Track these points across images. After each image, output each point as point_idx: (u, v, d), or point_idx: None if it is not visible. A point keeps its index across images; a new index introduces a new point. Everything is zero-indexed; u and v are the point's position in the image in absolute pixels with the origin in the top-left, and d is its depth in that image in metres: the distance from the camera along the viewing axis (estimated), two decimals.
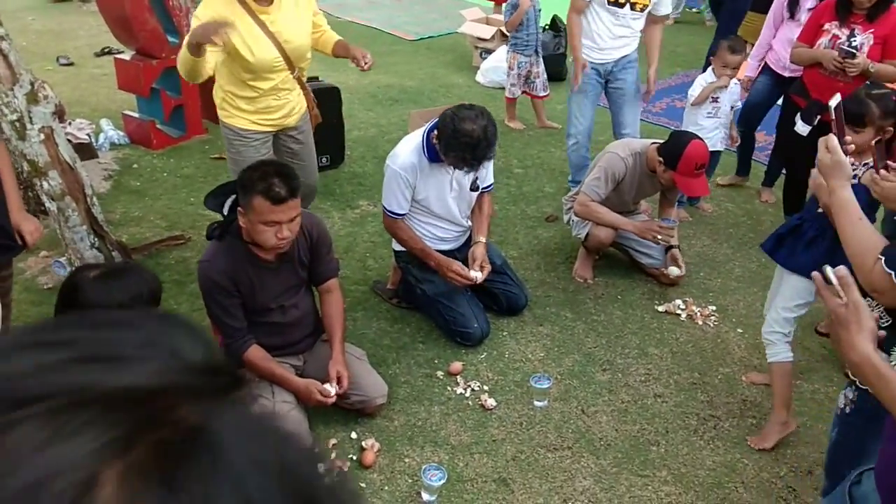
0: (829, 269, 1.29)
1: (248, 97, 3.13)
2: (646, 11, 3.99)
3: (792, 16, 4.26)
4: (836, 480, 2.14)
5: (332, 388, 2.60)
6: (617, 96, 4.27)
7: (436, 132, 2.97)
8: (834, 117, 1.87)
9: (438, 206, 3.20)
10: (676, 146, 3.38)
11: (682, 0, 9.32)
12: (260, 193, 2.34)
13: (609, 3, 3.95)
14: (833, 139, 1.74)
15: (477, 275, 3.20)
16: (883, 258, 1.56)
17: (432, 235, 3.29)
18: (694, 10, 9.80)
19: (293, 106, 3.26)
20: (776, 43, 4.39)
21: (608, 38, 4.09)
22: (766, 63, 4.46)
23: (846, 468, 2.06)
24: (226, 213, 2.53)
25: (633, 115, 4.29)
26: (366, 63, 3.20)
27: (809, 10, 4.18)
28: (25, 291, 3.43)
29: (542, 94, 5.79)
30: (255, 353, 2.58)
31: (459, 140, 2.84)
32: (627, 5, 3.94)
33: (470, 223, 3.37)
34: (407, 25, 9.20)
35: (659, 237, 3.52)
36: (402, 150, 3.12)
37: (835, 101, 1.89)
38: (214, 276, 2.48)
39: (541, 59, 5.69)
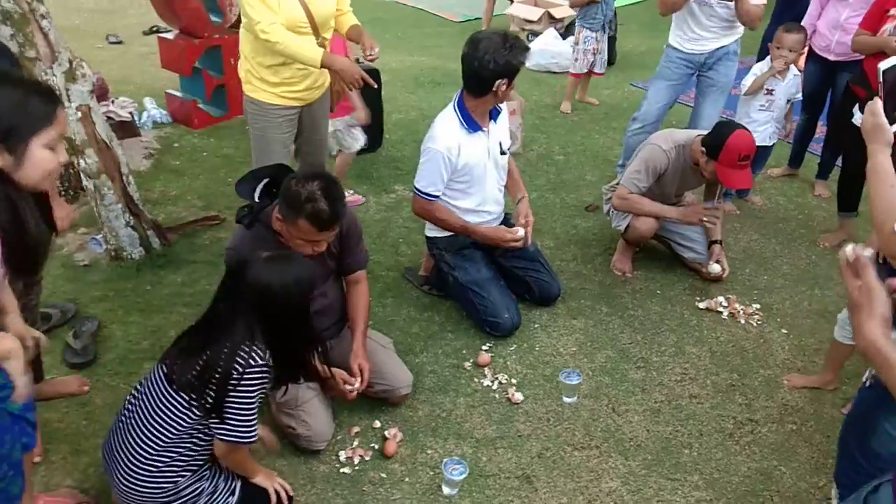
0: (849, 247, 1.25)
1: (273, 66, 3.07)
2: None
3: None
4: (843, 452, 2.16)
5: (354, 384, 2.56)
6: (705, 86, 4.12)
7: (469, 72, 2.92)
8: (882, 80, 1.75)
9: (479, 175, 3.12)
10: (720, 136, 3.23)
11: None
12: (306, 217, 2.29)
13: None
14: (878, 102, 1.71)
15: (521, 231, 3.18)
16: None
17: (473, 216, 3.22)
18: None
19: (316, 77, 3.20)
20: (821, 25, 4.17)
21: (697, 29, 3.95)
22: (810, 48, 4.24)
23: (854, 446, 2.04)
24: (257, 198, 2.50)
25: (714, 111, 4.11)
26: (370, 55, 3.18)
27: None
28: (62, 268, 3.48)
29: (599, 70, 5.72)
30: None
31: (493, 53, 2.85)
32: None
33: (500, 205, 3.31)
34: (453, 7, 9.09)
35: (705, 219, 3.40)
36: (441, 131, 3.04)
37: (886, 64, 1.76)
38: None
39: (606, 37, 5.62)
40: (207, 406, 1.99)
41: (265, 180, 2.50)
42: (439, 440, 2.67)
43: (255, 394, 2.01)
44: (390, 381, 2.73)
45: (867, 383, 2.03)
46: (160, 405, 2.04)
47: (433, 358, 3.08)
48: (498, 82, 2.90)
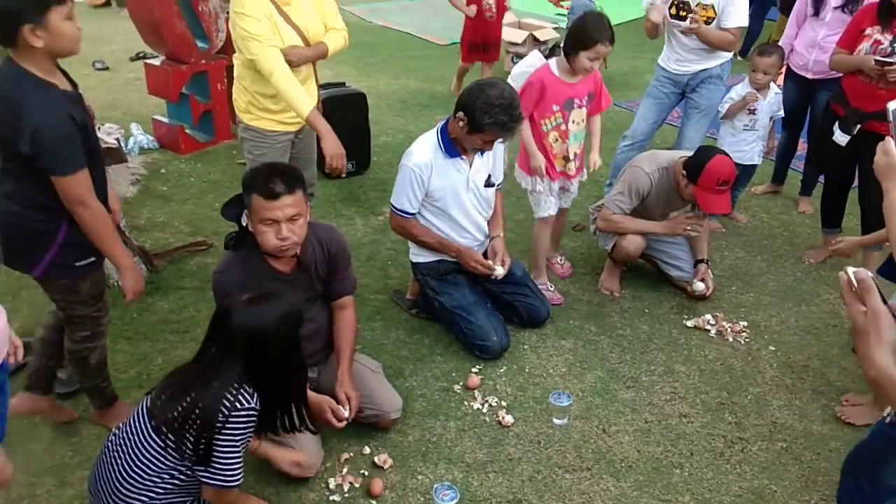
0: (850, 270, 1.16)
1: (275, 96, 3.11)
2: (713, 24, 3.82)
3: (816, 13, 4.11)
4: (849, 481, 2.12)
5: (342, 414, 2.53)
6: (689, 108, 4.17)
7: (460, 114, 2.91)
8: (891, 120, 1.78)
9: (453, 201, 3.12)
10: (700, 160, 3.28)
11: None
12: (256, 191, 2.32)
13: (671, 16, 3.86)
14: (890, 142, 1.72)
15: (499, 269, 3.16)
16: None
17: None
18: None
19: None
20: (798, 44, 4.24)
21: (680, 50, 4.01)
22: (788, 67, 4.31)
23: (862, 474, 2.00)
24: (244, 223, 2.50)
25: (697, 133, 4.14)
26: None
27: (835, 7, 4.03)
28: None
29: None
30: None
31: (494, 105, 2.82)
32: (688, 18, 3.81)
33: (484, 234, 3.30)
34: (439, 30, 9.16)
35: (688, 228, 3.43)
36: (417, 148, 3.08)
37: (895, 104, 1.80)
38: (228, 288, 2.43)
39: None
40: (187, 451, 1.95)
41: None
42: (430, 465, 2.65)
43: (241, 438, 1.98)
44: (380, 405, 2.71)
45: (888, 419, 1.96)
46: (139, 443, 2.00)
47: (423, 381, 3.06)
48: (486, 132, 2.90)
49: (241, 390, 1.95)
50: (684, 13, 3.81)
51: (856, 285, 1.14)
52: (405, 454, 2.69)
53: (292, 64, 3.04)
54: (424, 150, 3.05)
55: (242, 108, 3.25)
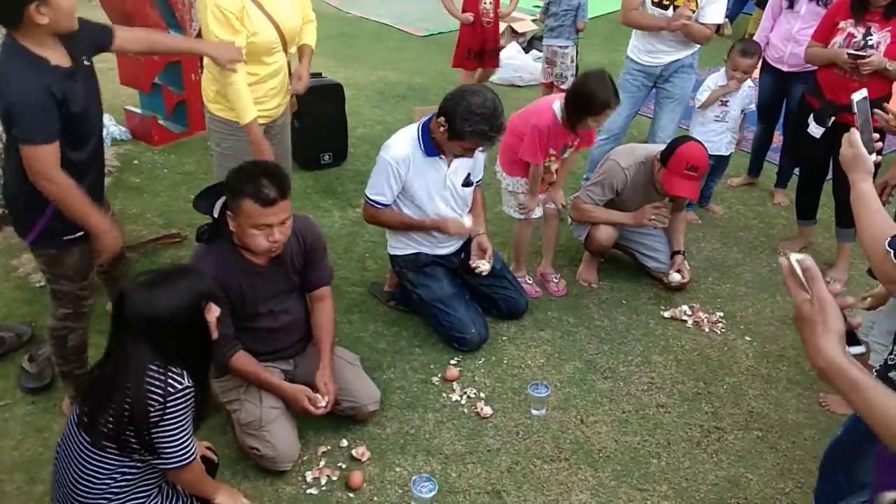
0: (793, 257, 1.14)
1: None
2: (693, 18, 3.81)
3: (791, 6, 4.14)
4: (826, 480, 2.14)
5: (322, 401, 2.52)
6: (661, 97, 4.14)
7: (441, 119, 2.89)
8: (856, 111, 1.80)
9: (425, 200, 3.09)
10: (673, 144, 3.34)
11: None
12: (249, 196, 2.26)
13: (653, 3, 3.83)
14: (855, 133, 1.74)
15: (486, 265, 3.16)
16: (892, 251, 1.55)
17: (432, 238, 3.20)
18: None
19: (284, 95, 3.20)
20: (773, 37, 4.27)
21: (654, 41, 3.96)
22: (764, 60, 4.33)
23: (839, 470, 2.03)
24: (216, 215, 2.46)
25: (671, 122, 4.13)
26: (293, 87, 3.25)
27: (809, 0, 4.05)
28: (18, 289, 3.38)
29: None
30: (242, 359, 2.49)
31: (475, 114, 2.81)
32: (672, 8, 3.79)
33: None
34: (417, 21, 9.10)
35: (652, 217, 3.41)
36: (396, 142, 3.05)
37: (858, 95, 1.82)
38: None
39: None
40: (134, 448, 1.87)
41: (223, 197, 2.45)
42: (408, 457, 2.64)
43: (184, 417, 1.89)
44: (357, 397, 2.69)
45: None
46: (81, 456, 1.91)
47: (401, 374, 3.05)
48: (466, 140, 2.88)
49: (169, 373, 1.84)
50: (667, 3, 3.80)
51: (799, 272, 1.11)
52: (383, 447, 2.67)
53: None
54: (404, 144, 3.02)
55: (211, 97, 3.12)
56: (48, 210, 2.33)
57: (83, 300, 2.54)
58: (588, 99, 3.14)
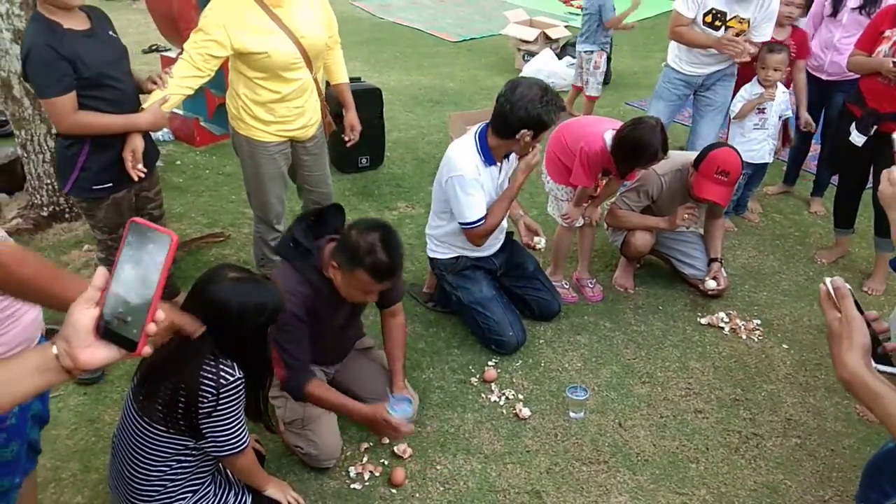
0: (828, 280, 1.23)
1: (266, 103, 2.94)
2: (743, 36, 3.81)
3: (834, 14, 4.11)
4: (870, 488, 2.10)
5: (410, 410, 2.49)
6: (701, 106, 4.16)
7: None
8: None
9: (488, 202, 3.10)
10: (707, 148, 3.37)
11: None
12: (366, 269, 2.27)
13: (705, 23, 3.83)
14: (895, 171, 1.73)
15: (542, 240, 3.25)
16: None
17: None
18: None
19: (311, 116, 3.09)
20: (814, 45, 4.25)
21: (700, 55, 3.97)
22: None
23: (887, 481, 1.99)
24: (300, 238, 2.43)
25: (711, 130, 4.14)
26: (348, 137, 3.39)
27: (853, 9, 4.04)
28: None
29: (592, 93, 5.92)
30: (317, 386, 2.45)
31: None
32: (723, 28, 3.80)
33: (503, 231, 3.35)
34: (450, 27, 9.18)
35: (686, 216, 3.42)
36: (461, 160, 2.99)
37: None
38: (296, 310, 2.34)
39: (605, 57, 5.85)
40: (182, 429, 1.93)
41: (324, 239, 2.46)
42: (448, 456, 2.68)
43: (238, 407, 1.95)
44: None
45: None
46: (138, 438, 1.98)
47: (440, 374, 3.10)
48: (523, 131, 2.87)
49: (220, 365, 1.90)
50: (719, 24, 3.82)
51: (831, 292, 1.20)
52: (424, 444, 2.72)
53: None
54: (469, 158, 2.99)
55: (234, 113, 3.03)
56: (79, 161, 2.71)
57: (115, 250, 2.78)
58: (638, 148, 3.15)
